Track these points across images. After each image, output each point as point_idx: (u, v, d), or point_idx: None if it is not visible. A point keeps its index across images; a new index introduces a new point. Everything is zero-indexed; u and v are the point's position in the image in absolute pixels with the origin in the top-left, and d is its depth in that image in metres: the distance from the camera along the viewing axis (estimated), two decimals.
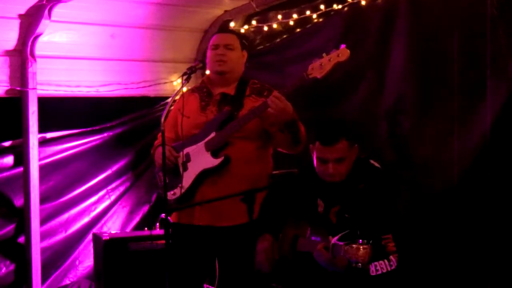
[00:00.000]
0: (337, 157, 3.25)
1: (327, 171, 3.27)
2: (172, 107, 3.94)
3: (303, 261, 3.35)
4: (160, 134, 3.88)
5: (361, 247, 2.99)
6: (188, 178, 3.66)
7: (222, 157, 3.60)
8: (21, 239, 4.90)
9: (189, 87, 4.08)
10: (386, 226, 3.18)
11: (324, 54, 3.42)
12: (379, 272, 3.07)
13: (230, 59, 3.71)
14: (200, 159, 3.64)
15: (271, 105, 3.44)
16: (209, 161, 3.61)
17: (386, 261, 3.10)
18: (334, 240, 3.13)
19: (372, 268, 3.07)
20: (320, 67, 3.43)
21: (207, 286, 4.36)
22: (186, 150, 3.69)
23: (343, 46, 3.42)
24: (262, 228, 3.47)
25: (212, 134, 3.64)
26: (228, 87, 3.75)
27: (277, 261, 3.42)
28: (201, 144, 3.65)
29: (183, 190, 3.64)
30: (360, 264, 2.98)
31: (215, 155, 3.62)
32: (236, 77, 3.77)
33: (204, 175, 3.63)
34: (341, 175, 3.28)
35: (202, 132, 3.68)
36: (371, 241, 3.01)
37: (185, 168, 3.68)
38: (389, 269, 3.09)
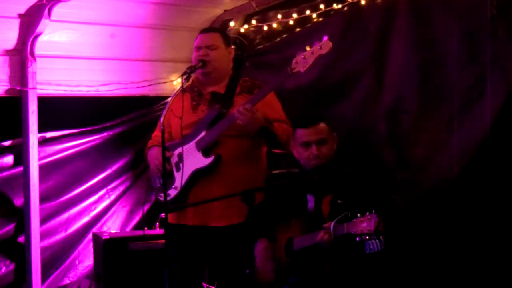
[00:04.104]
0: (318, 138, 3.37)
1: (312, 153, 3.36)
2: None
3: (304, 257, 3.36)
4: (153, 134, 3.90)
5: (364, 217, 3.02)
6: (181, 179, 3.63)
7: (213, 156, 3.57)
8: (21, 239, 4.89)
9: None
10: (376, 207, 3.17)
11: (307, 47, 3.41)
12: (373, 251, 3.09)
13: (213, 59, 3.69)
14: (191, 159, 3.61)
15: (238, 116, 3.43)
16: (200, 161, 3.59)
17: (377, 241, 3.10)
18: (333, 223, 3.15)
19: (367, 246, 3.08)
20: (303, 60, 3.42)
21: (207, 286, 4.35)
22: (178, 151, 3.66)
23: (325, 38, 3.41)
24: (258, 232, 3.47)
25: (203, 133, 3.61)
26: (218, 86, 3.73)
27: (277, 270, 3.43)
28: (192, 143, 3.63)
29: (177, 191, 3.62)
30: (368, 237, 3.00)
31: (206, 154, 3.59)
32: (225, 74, 3.75)
33: (196, 175, 3.60)
34: (326, 157, 3.37)
35: (193, 132, 3.65)
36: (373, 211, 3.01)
37: (178, 169, 3.65)
38: (379, 248, 3.10)
